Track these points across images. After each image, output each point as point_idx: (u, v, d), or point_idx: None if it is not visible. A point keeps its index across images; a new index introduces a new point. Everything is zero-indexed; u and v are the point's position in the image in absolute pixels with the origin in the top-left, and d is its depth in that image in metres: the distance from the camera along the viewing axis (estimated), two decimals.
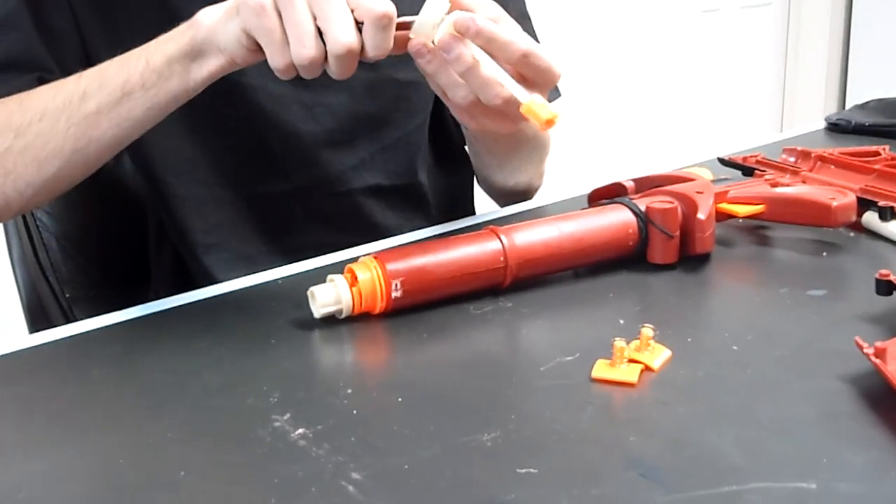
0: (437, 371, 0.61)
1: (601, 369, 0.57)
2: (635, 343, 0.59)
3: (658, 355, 0.58)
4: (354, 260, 0.68)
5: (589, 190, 0.86)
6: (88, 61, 0.76)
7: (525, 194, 1.02)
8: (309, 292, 0.67)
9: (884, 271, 0.63)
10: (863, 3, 3.20)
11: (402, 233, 0.92)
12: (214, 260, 0.92)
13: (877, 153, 0.93)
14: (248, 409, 0.56)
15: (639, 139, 2.94)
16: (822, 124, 1.26)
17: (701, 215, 0.73)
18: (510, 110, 0.68)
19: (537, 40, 0.95)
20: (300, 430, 0.52)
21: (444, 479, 0.47)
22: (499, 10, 0.69)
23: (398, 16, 0.65)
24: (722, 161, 1.00)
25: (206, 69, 0.70)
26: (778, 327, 0.64)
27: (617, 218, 0.74)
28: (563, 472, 0.48)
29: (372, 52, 0.66)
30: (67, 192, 1.05)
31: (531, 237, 0.71)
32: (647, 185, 0.82)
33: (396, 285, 0.66)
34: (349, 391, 0.57)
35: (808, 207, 0.77)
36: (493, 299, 0.70)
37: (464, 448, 0.50)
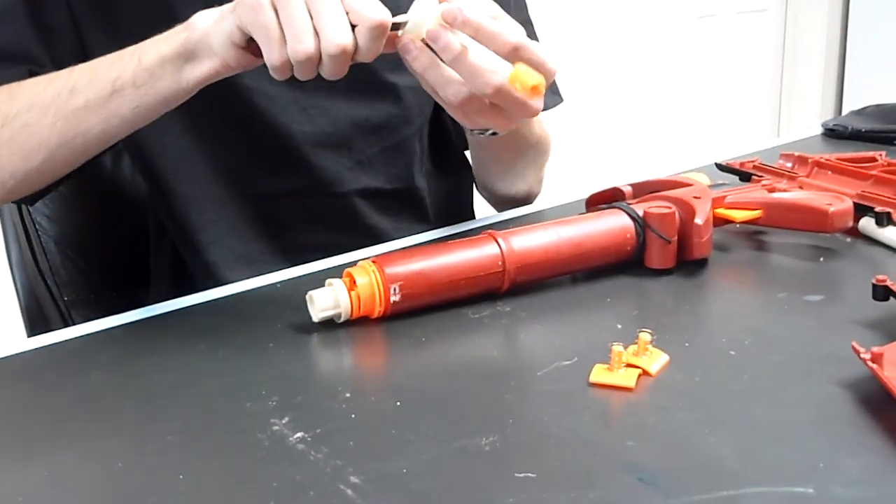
0: (436, 375, 0.61)
1: (599, 374, 0.57)
2: (633, 348, 0.59)
3: (656, 360, 0.59)
4: (353, 264, 0.68)
5: (587, 195, 0.87)
6: (86, 59, 0.76)
7: (525, 201, 1.03)
8: (307, 296, 0.67)
9: (880, 277, 0.63)
10: (859, 9, 3.20)
11: (398, 236, 0.92)
12: (212, 258, 0.93)
13: (873, 159, 0.93)
14: (247, 412, 0.56)
15: (636, 144, 2.94)
16: (819, 130, 1.26)
17: (698, 220, 0.73)
18: (506, 104, 0.69)
19: (527, 15, 0.95)
20: (299, 434, 0.52)
21: (442, 483, 0.48)
22: (495, 8, 0.69)
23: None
24: (719, 166, 1.00)
25: (199, 71, 0.70)
26: (775, 332, 0.64)
27: (615, 223, 0.74)
28: (560, 476, 0.48)
29: (364, 55, 0.66)
30: (66, 195, 1.06)
31: (529, 242, 0.71)
32: (644, 190, 0.82)
33: (395, 289, 0.66)
34: (347, 395, 0.57)
35: (805, 213, 0.77)
36: (491, 304, 0.70)
37: (462, 452, 0.50)
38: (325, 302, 0.66)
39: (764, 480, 0.46)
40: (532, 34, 0.99)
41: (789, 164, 0.95)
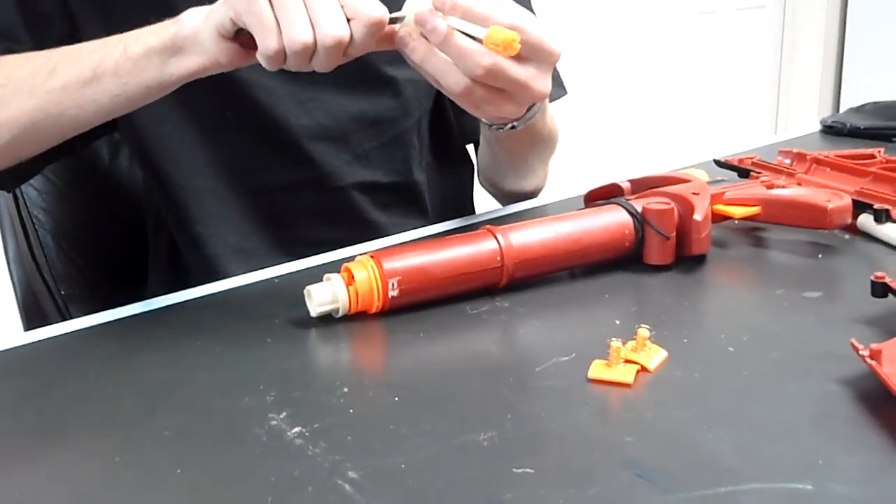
0: (434, 371, 0.61)
1: (597, 370, 0.57)
2: (631, 344, 0.59)
3: (654, 356, 0.59)
4: (351, 259, 0.68)
5: (585, 190, 0.87)
6: None
7: (531, 195, 1.03)
8: (305, 291, 0.67)
9: (879, 273, 0.63)
10: (858, 6, 3.20)
11: (396, 231, 0.92)
12: (210, 250, 0.93)
13: (872, 156, 0.93)
14: (245, 407, 0.56)
15: (635, 140, 2.94)
16: (818, 127, 1.26)
17: (697, 216, 0.73)
18: (506, 85, 0.69)
19: (531, 10, 0.95)
20: (296, 429, 0.52)
21: (440, 478, 0.48)
22: None
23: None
24: (718, 163, 1.00)
25: (185, 66, 0.69)
26: (774, 329, 0.64)
27: (613, 219, 0.74)
28: (559, 472, 0.48)
29: (358, 49, 0.66)
30: (63, 189, 1.06)
31: (528, 237, 0.71)
32: (643, 186, 0.82)
33: (393, 284, 0.66)
34: (345, 390, 0.57)
35: (804, 209, 0.77)
36: (489, 299, 0.70)
37: (460, 448, 0.50)
38: (324, 297, 0.66)
39: (762, 477, 0.46)
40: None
41: (788, 161, 0.95)
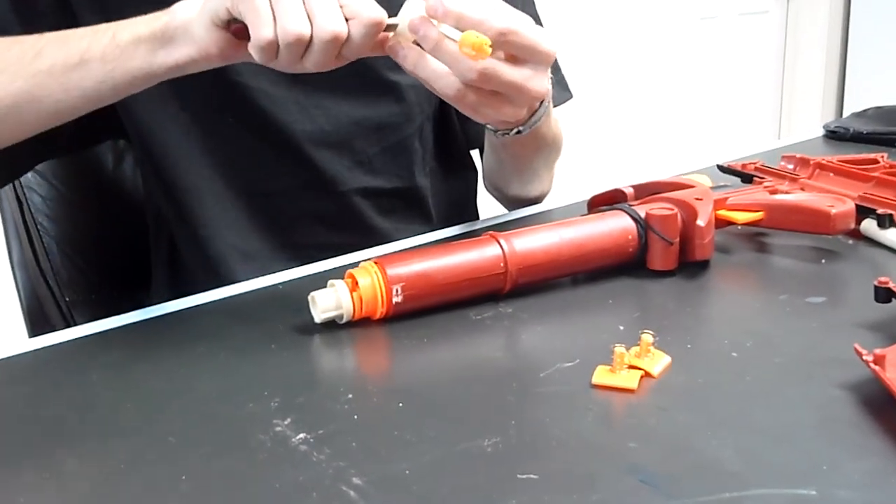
0: (438, 377, 0.61)
1: (601, 375, 0.57)
2: (635, 349, 0.59)
3: (658, 361, 0.59)
4: (355, 265, 0.68)
5: (588, 196, 0.87)
6: None
7: (537, 201, 1.03)
8: (309, 297, 0.67)
9: (882, 279, 0.63)
10: (860, 11, 3.20)
11: (398, 236, 0.92)
12: (213, 253, 0.93)
13: (875, 161, 0.93)
14: (249, 414, 0.56)
15: (638, 146, 2.94)
16: (821, 132, 1.26)
17: (700, 222, 0.73)
18: (501, 88, 0.69)
19: (536, 17, 0.95)
20: (301, 436, 0.52)
21: (444, 484, 0.48)
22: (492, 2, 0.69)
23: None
24: (721, 168, 1.00)
25: (174, 57, 0.69)
26: (777, 334, 0.64)
27: (616, 224, 0.74)
28: (563, 477, 0.48)
29: (353, 50, 0.67)
30: (68, 196, 1.06)
31: (531, 243, 0.71)
32: (646, 191, 0.82)
33: (397, 290, 0.66)
34: (350, 396, 0.57)
35: (807, 215, 0.77)
36: (493, 305, 0.70)
37: (464, 454, 0.50)
38: (328, 303, 0.66)
39: (766, 482, 0.46)
40: (533, 14, 0.99)
41: (791, 166, 0.95)
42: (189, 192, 0.92)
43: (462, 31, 0.66)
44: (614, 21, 2.83)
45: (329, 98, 0.92)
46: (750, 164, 0.98)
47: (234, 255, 0.93)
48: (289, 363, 0.63)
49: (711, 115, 3.15)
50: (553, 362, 0.60)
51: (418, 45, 0.69)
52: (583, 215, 0.78)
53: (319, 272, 0.80)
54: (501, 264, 0.70)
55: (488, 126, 0.85)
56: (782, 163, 0.97)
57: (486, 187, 1.08)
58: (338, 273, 0.70)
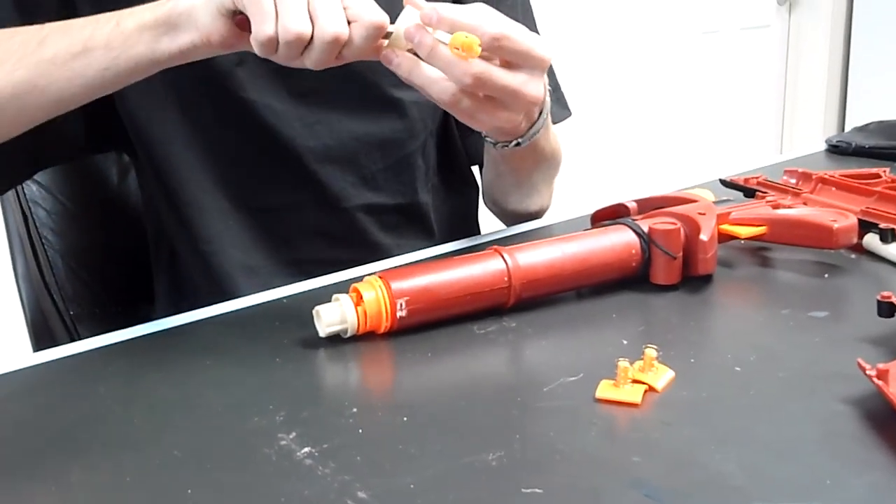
0: (442, 391, 0.61)
1: (605, 390, 0.57)
2: (639, 363, 0.59)
3: (661, 376, 0.59)
4: (360, 279, 0.69)
5: (591, 210, 0.87)
6: None
7: (536, 216, 1.03)
8: (314, 311, 0.67)
9: (885, 293, 0.63)
10: (862, 25, 3.21)
11: (401, 251, 0.93)
12: (217, 268, 0.93)
13: (877, 175, 0.93)
14: (254, 427, 0.56)
15: (641, 160, 2.94)
16: (823, 146, 1.26)
17: (703, 236, 0.74)
18: (495, 93, 0.69)
19: (536, 32, 0.95)
20: (306, 449, 0.53)
21: (449, 498, 0.48)
22: (486, 9, 0.70)
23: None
24: (723, 182, 1.00)
25: (177, 44, 0.69)
26: (780, 348, 0.64)
27: (620, 239, 0.75)
28: (567, 492, 0.48)
29: (353, 52, 0.67)
30: (72, 210, 1.06)
31: (535, 258, 0.71)
32: (649, 206, 0.82)
33: (401, 305, 0.67)
34: (354, 410, 0.58)
35: (810, 229, 0.78)
36: (496, 319, 0.70)
37: (469, 468, 0.50)
38: (332, 317, 0.66)
39: (770, 497, 0.46)
40: (530, 20, 1.00)
41: (793, 181, 0.96)
42: (192, 208, 0.92)
43: None
44: (617, 36, 2.84)
45: (333, 114, 0.92)
46: (752, 178, 0.98)
47: (237, 270, 0.93)
48: (294, 377, 0.63)
49: (714, 129, 3.15)
50: (557, 376, 0.60)
51: (415, 54, 0.69)
52: (586, 230, 0.78)
53: (324, 286, 0.80)
54: (505, 279, 0.70)
55: (487, 139, 0.85)
56: (785, 177, 0.97)
57: (485, 203, 1.08)
58: (342, 287, 0.70)
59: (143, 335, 0.72)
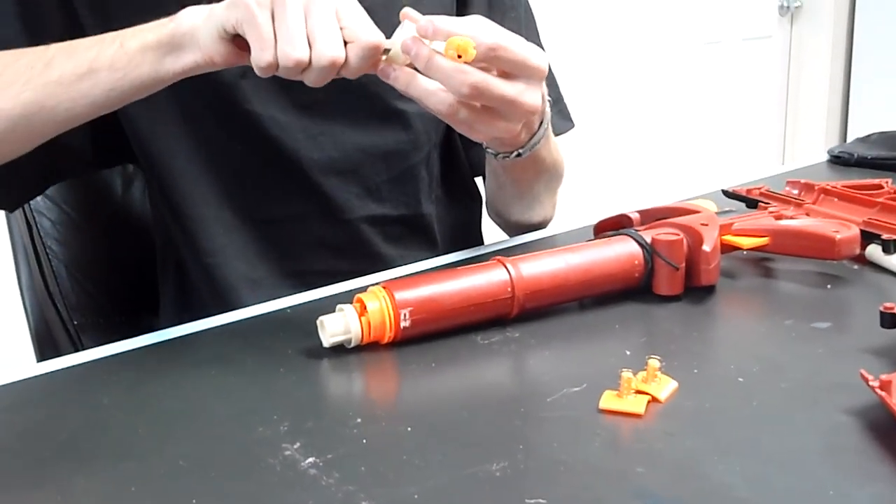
0: (446, 401, 0.61)
1: (608, 400, 0.58)
2: (642, 374, 0.59)
3: (664, 386, 0.59)
4: (363, 289, 0.69)
5: (594, 221, 0.87)
6: None
7: (539, 227, 1.03)
8: (318, 321, 0.67)
9: (888, 304, 0.63)
10: (864, 36, 3.22)
11: (404, 262, 0.93)
12: (220, 280, 0.93)
13: (880, 186, 0.94)
14: (259, 437, 0.56)
15: (643, 171, 2.95)
16: (825, 157, 1.26)
17: (706, 247, 0.74)
18: (493, 103, 0.70)
19: (539, 44, 0.96)
20: (310, 459, 0.53)
21: None
22: (479, 18, 0.70)
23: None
24: (726, 193, 1.00)
25: (181, 63, 0.70)
26: (783, 359, 0.64)
27: (623, 249, 0.75)
28: (570, 502, 0.48)
29: (351, 73, 0.68)
30: (77, 220, 1.07)
31: (538, 268, 0.72)
32: (652, 216, 0.82)
33: (405, 315, 0.67)
34: (358, 420, 0.58)
35: (812, 240, 0.78)
36: (500, 329, 0.70)
37: (472, 478, 0.50)
38: (336, 327, 0.67)
39: None
40: (533, 32, 1.01)
41: (796, 191, 0.96)
42: (195, 220, 0.92)
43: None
44: (620, 46, 2.85)
45: (337, 126, 0.92)
46: (755, 189, 0.98)
47: (241, 282, 0.93)
48: (298, 387, 0.63)
49: (716, 140, 3.16)
50: (560, 387, 0.60)
51: (414, 68, 0.70)
52: (589, 240, 0.78)
53: (328, 297, 0.81)
54: (509, 289, 0.70)
55: (488, 149, 0.86)
56: (787, 188, 0.97)
57: (488, 214, 1.08)
58: (346, 298, 0.70)
59: (147, 345, 0.72)
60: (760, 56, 3.25)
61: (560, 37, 2.56)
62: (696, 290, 0.75)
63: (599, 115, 2.77)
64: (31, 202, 1.03)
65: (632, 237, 0.76)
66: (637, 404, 0.57)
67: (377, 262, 0.94)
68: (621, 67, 2.87)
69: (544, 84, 0.77)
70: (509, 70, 0.70)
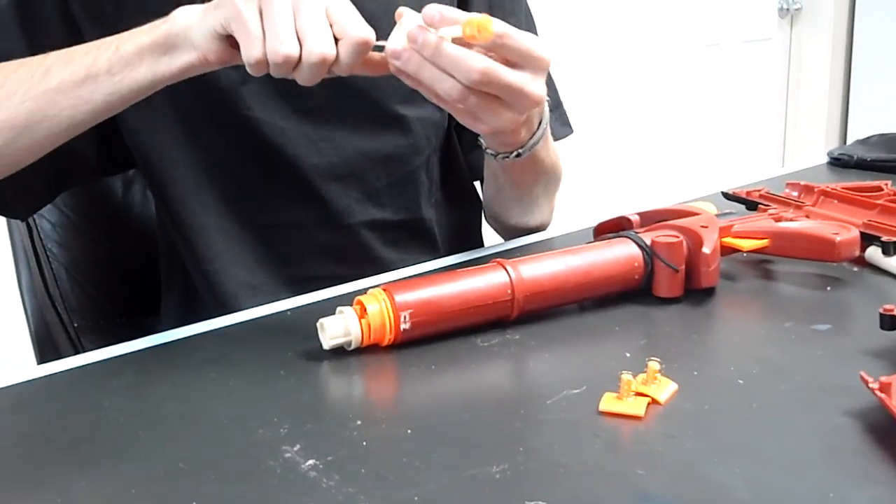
0: (446, 403, 0.61)
1: (608, 402, 0.58)
2: (642, 376, 0.59)
3: (664, 388, 0.59)
4: (363, 292, 0.69)
5: (594, 223, 0.87)
6: None
7: (537, 231, 1.03)
8: (318, 324, 0.67)
9: (888, 306, 0.63)
10: (863, 38, 3.22)
11: (404, 266, 0.93)
12: (221, 286, 0.93)
13: (879, 188, 0.94)
14: (259, 440, 0.56)
15: (643, 173, 2.95)
16: (825, 159, 1.27)
17: (706, 249, 0.74)
18: (500, 91, 0.70)
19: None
20: (311, 462, 0.53)
21: None
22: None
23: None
24: (726, 195, 1.00)
25: (177, 64, 0.71)
26: (783, 361, 0.64)
27: (623, 252, 0.75)
28: None
29: (342, 69, 0.68)
30: (77, 222, 1.07)
31: (538, 270, 0.72)
32: (652, 219, 0.82)
33: (405, 317, 0.67)
34: (359, 423, 0.58)
35: (812, 242, 0.78)
36: (500, 332, 0.70)
37: (473, 480, 0.50)
38: (336, 330, 0.67)
39: None
40: (531, 26, 1.01)
41: (795, 193, 0.96)
42: (197, 228, 0.92)
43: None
44: (619, 48, 2.85)
45: (338, 131, 0.93)
46: (755, 191, 0.98)
47: (241, 288, 0.93)
48: (298, 390, 0.63)
49: (716, 142, 3.16)
50: (560, 389, 0.60)
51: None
52: (589, 242, 0.78)
53: (328, 299, 0.81)
54: (509, 291, 0.70)
55: (488, 150, 0.86)
56: (787, 190, 0.97)
57: (486, 218, 1.09)
58: (346, 300, 0.70)
59: (148, 347, 0.72)
60: (760, 58, 3.25)
61: (560, 39, 2.57)
62: (695, 293, 0.75)
63: (599, 117, 2.77)
64: None
65: (632, 239, 0.76)
66: (637, 406, 0.57)
67: (378, 267, 0.94)
68: (621, 69, 2.87)
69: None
70: (514, 59, 0.70)
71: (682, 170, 3.04)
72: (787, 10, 3.26)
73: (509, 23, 0.69)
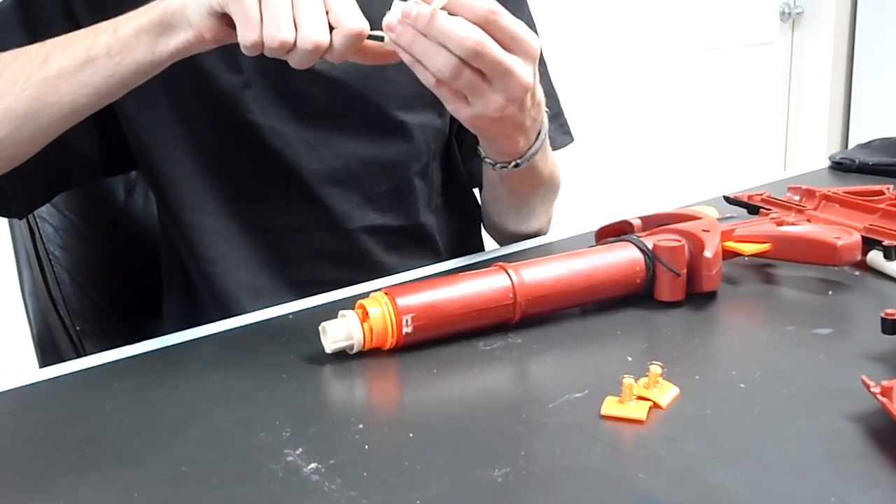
0: (448, 407, 0.61)
1: (610, 406, 0.58)
2: (643, 380, 0.59)
3: (666, 392, 0.59)
4: (365, 295, 0.69)
5: (596, 227, 0.87)
6: None
7: (533, 237, 1.03)
8: (320, 327, 0.67)
9: (890, 310, 0.63)
10: (865, 42, 3.22)
11: (404, 271, 0.93)
12: (222, 289, 0.93)
13: (881, 192, 0.94)
14: (261, 443, 0.56)
15: (645, 177, 2.95)
16: (826, 163, 1.27)
17: (707, 253, 0.74)
18: (488, 69, 0.69)
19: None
20: (312, 465, 0.53)
21: None
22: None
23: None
24: (727, 199, 1.01)
25: (174, 43, 0.71)
26: (785, 365, 0.64)
27: (624, 256, 0.75)
28: None
29: (335, 57, 0.69)
30: (79, 226, 1.07)
31: (540, 274, 0.72)
32: (653, 223, 0.83)
33: (407, 321, 0.67)
34: (360, 426, 0.58)
35: (814, 246, 0.78)
36: (502, 335, 0.70)
37: (474, 484, 0.50)
38: (338, 333, 0.67)
39: None
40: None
41: (797, 198, 0.96)
42: (198, 231, 0.92)
43: (451, 14, 0.68)
44: (621, 52, 2.85)
45: (338, 136, 0.93)
46: (756, 195, 0.98)
47: (242, 291, 0.93)
48: (300, 393, 0.63)
49: (717, 146, 3.16)
50: (562, 393, 0.60)
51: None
52: (591, 246, 0.78)
53: (330, 303, 0.81)
54: (510, 295, 0.70)
55: (487, 159, 0.86)
56: (788, 194, 0.97)
57: (484, 226, 1.09)
58: (348, 304, 0.70)
59: (150, 351, 0.72)
60: (762, 62, 3.25)
61: (562, 42, 2.57)
62: (697, 297, 0.75)
63: (601, 121, 2.77)
64: None
65: (633, 243, 0.76)
66: (639, 410, 0.57)
67: (378, 272, 0.94)
68: (623, 73, 2.87)
69: (543, 95, 0.77)
70: (505, 41, 0.70)
71: (683, 174, 3.04)
72: (789, 13, 3.26)
73: None
